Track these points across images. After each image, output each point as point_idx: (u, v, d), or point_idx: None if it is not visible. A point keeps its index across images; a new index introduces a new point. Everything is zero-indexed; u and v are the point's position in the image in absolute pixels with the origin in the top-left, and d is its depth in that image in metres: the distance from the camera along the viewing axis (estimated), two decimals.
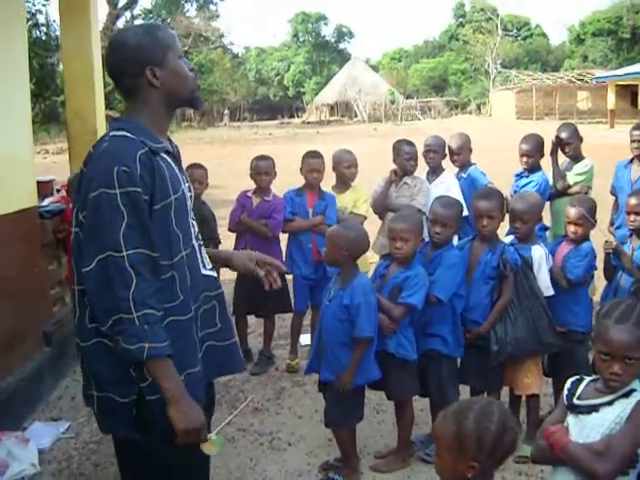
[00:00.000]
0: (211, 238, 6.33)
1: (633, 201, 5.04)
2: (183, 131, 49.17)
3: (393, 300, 4.64)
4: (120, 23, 47.65)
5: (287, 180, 6.91)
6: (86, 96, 8.10)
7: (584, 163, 6.84)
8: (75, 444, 5.35)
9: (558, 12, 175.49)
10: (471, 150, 7.03)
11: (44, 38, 38.59)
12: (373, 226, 6.64)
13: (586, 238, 5.14)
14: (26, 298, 5.92)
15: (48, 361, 6.23)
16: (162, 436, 2.65)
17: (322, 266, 6.28)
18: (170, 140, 2.98)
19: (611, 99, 43.53)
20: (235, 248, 6.73)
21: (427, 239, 5.04)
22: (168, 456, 2.75)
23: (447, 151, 6.89)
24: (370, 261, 6.67)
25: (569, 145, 6.82)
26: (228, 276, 7.31)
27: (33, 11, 44.25)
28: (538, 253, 4.99)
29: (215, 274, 3.08)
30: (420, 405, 5.28)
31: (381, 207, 6.54)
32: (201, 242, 3.02)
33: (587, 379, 3.05)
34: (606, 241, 5.17)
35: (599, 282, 5.77)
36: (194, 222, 2.98)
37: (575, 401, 2.99)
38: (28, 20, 45.17)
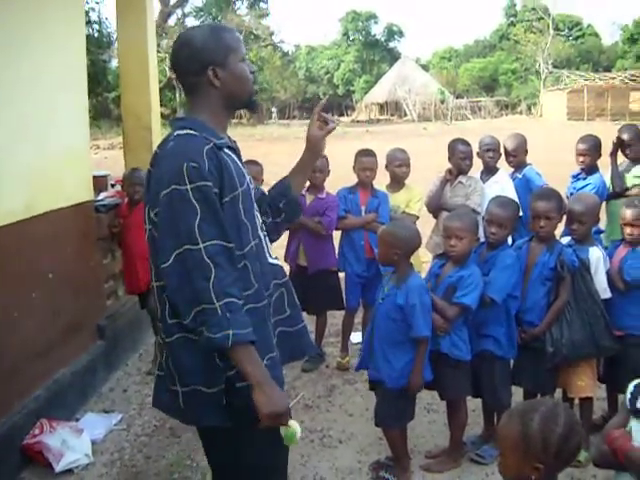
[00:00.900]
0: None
1: None
2: (233, 128, 49.31)
3: (447, 300, 4.62)
4: (171, 21, 48.17)
5: (338, 178, 6.90)
6: (141, 93, 8.17)
7: None
8: (127, 436, 5.42)
9: (611, 12, 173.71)
10: (527, 151, 6.97)
11: (96, 35, 39.08)
12: (427, 225, 6.62)
13: None
14: (81, 291, 6.00)
15: (101, 354, 6.32)
16: (254, 421, 2.69)
17: (374, 264, 6.27)
18: (229, 137, 3.03)
19: None
20: (288, 245, 6.77)
21: (482, 239, 5.01)
22: (257, 441, 2.81)
23: (502, 151, 6.84)
24: (423, 260, 6.65)
25: (630, 147, 6.71)
26: None
27: (86, 9, 44.91)
28: (596, 255, 4.92)
29: (280, 263, 3.14)
30: (472, 405, 5.25)
31: (435, 206, 6.52)
32: (265, 233, 3.06)
33: None
34: None
35: None
36: (258, 214, 3.03)
37: (638, 405, 2.94)
38: None
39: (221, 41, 2.88)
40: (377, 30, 79.41)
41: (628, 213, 4.97)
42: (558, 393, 5.16)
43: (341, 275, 6.82)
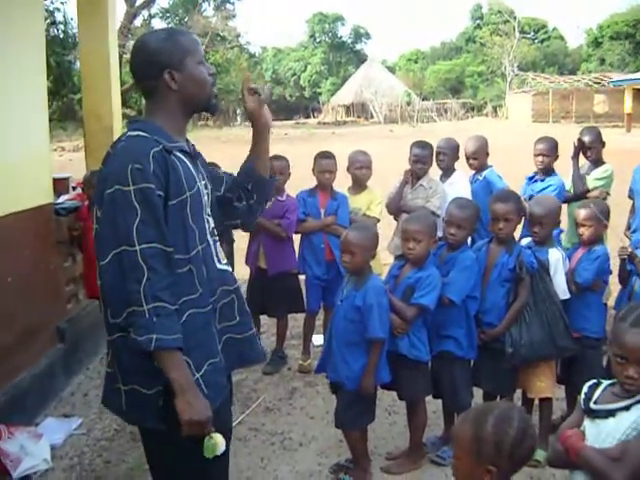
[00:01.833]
0: (224, 239, 6.34)
1: None
2: (199, 130, 49.22)
3: (406, 301, 4.63)
4: (137, 22, 47.78)
5: (303, 181, 6.91)
6: (102, 94, 8.13)
7: (604, 168, 6.80)
8: (87, 441, 5.37)
9: (576, 15, 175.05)
10: (488, 153, 7.01)
11: (61, 36, 38.69)
12: (388, 228, 6.64)
13: (599, 241, 5.13)
14: (40, 295, 5.95)
15: (61, 357, 6.26)
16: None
17: (334, 266, 6.30)
18: (188, 142, 3.03)
19: (628, 103, 43.24)
20: (248, 248, 6.76)
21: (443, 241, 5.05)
22: (193, 446, 2.78)
23: (462, 153, 6.88)
24: (384, 262, 6.67)
25: (591, 149, 6.80)
26: (241, 276, 7.34)
27: (51, 9, 44.42)
28: (555, 256, 4.97)
29: (230, 269, 3.13)
30: (433, 407, 5.27)
31: (395, 208, 6.53)
32: (216, 238, 3.05)
33: (605, 383, 3.03)
34: (622, 247, 5.15)
35: (614, 287, 5.75)
36: (209, 218, 3.02)
37: (592, 405, 2.97)
38: (46, 18, 45.35)
39: (177, 44, 2.88)
40: (344, 32, 79.77)
41: (581, 213, 5.07)
42: (518, 394, 5.21)
43: (301, 278, 6.83)
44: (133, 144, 2.76)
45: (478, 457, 2.47)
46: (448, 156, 6.74)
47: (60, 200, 7.17)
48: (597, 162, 6.85)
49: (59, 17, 41.03)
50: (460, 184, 6.62)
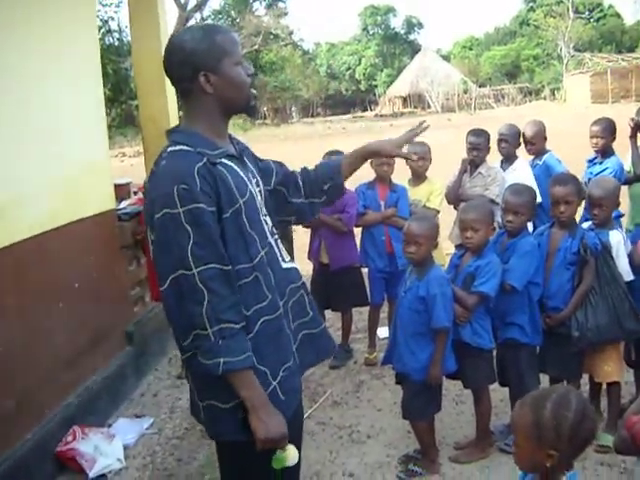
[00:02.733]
0: (284, 237, 6.39)
1: None
2: (257, 129, 49.54)
3: (466, 289, 4.63)
4: (190, 25, 48.26)
5: (361, 174, 6.89)
6: (158, 100, 8.22)
7: None
8: (158, 440, 5.48)
9: None
10: (546, 138, 6.94)
11: (117, 44, 39.29)
12: (449, 217, 6.62)
13: None
14: (108, 299, 6.08)
15: (130, 359, 6.39)
16: None
17: (396, 258, 6.30)
18: (232, 141, 2.97)
19: None
20: (310, 243, 6.80)
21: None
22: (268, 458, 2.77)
23: (521, 139, 6.82)
24: (446, 252, 6.65)
25: None
26: (305, 271, 7.39)
27: (105, 18, 45.10)
28: (616, 238, 4.90)
29: (296, 265, 3.09)
30: (500, 395, 5.25)
31: (454, 197, 6.51)
32: (277, 237, 3.00)
33: None
34: None
35: None
36: (267, 218, 2.95)
37: None
38: (101, 27, 46.02)
39: (214, 44, 2.76)
40: (396, 23, 79.39)
41: None
42: (585, 379, 5.16)
43: (364, 271, 6.84)
44: (176, 162, 2.68)
45: (538, 442, 2.47)
46: (510, 142, 6.69)
47: (122, 205, 7.30)
48: None
49: (113, 25, 41.67)
50: (523, 170, 6.56)
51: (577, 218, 5.12)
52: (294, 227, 7.17)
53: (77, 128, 5.83)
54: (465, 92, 61.37)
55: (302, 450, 4.61)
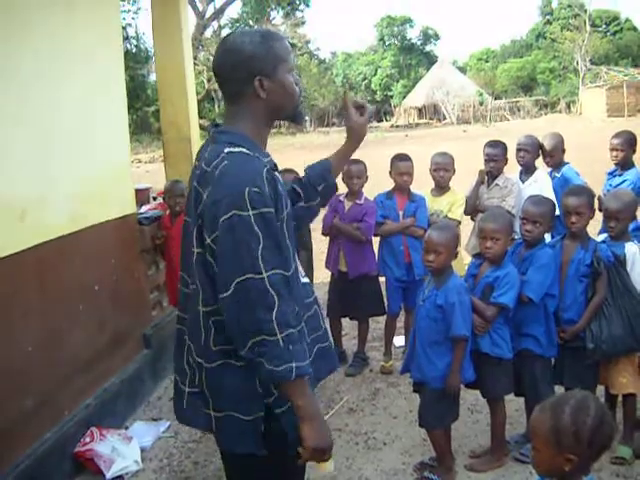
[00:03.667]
0: (302, 245, 6.44)
1: None
2: (272, 138, 49.51)
3: (485, 299, 4.66)
4: (208, 33, 48.47)
5: (378, 183, 6.96)
6: (180, 105, 8.30)
7: None
8: (175, 443, 5.52)
9: None
10: (564, 150, 6.97)
11: (134, 51, 39.51)
12: (466, 228, 6.65)
13: None
14: (126, 302, 6.13)
15: (148, 363, 6.44)
16: (292, 447, 2.68)
17: (414, 268, 6.33)
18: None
19: None
20: (328, 252, 6.85)
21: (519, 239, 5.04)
22: (284, 469, 2.79)
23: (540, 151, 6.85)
24: (465, 262, 6.67)
25: None
26: (322, 279, 7.43)
27: (123, 25, 45.33)
28: (632, 250, 4.92)
29: (308, 280, 3.08)
30: (515, 405, 5.28)
31: (471, 208, 6.55)
32: (295, 251, 2.98)
33: None
34: None
35: None
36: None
37: None
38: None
39: (271, 50, 2.76)
40: (413, 34, 79.17)
41: None
42: (600, 391, 5.17)
43: (381, 280, 6.88)
44: (242, 163, 2.64)
45: (558, 447, 2.50)
46: (529, 153, 6.71)
47: (142, 210, 7.35)
48: None
49: (131, 32, 41.90)
50: (543, 182, 6.59)
51: (594, 230, 5.14)
52: (313, 235, 7.20)
53: (102, 131, 5.91)
54: (481, 104, 61.29)
55: None
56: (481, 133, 38.38)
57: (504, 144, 6.65)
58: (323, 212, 6.67)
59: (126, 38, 46.34)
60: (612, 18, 72.85)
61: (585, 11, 65.24)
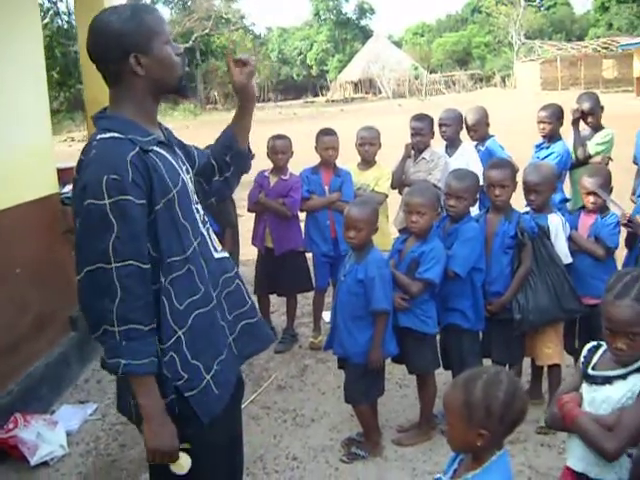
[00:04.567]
0: (227, 222, 6.39)
1: None
2: (208, 114, 49.26)
3: (410, 275, 4.64)
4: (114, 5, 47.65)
5: (312, 158, 6.92)
6: (103, 83, 8.14)
7: (605, 132, 6.76)
8: (102, 426, 5.42)
9: None
10: (488, 124, 6.99)
11: (66, 27, 38.68)
12: (394, 202, 6.65)
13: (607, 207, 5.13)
14: (50, 284, 6.00)
15: (74, 345, 6.31)
16: (203, 428, 2.69)
17: (341, 243, 6.32)
18: (160, 126, 2.88)
19: (637, 67, 42.82)
20: (255, 228, 6.78)
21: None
22: (199, 450, 2.74)
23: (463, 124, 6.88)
24: (392, 237, 6.67)
25: (591, 115, 6.77)
26: (250, 256, 7.38)
27: (54, 0, 44.38)
28: (555, 221, 4.96)
29: (227, 254, 3.02)
30: (444, 379, 5.28)
31: (398, 182, 6.52)
32: (208, 226, 2.92)
33: (604, 347, 3.03)
34: (622, 214, 5.13)
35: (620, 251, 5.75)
36: (198, 206, 2.88)
37: (590, 371, 2.98)
38: (49, 9, 45.37)
39: (142, 24, 2.63)
40: (348, 8, 79.30)
41: (587, 183, 5.08)
42: (527, 363, 5.24)
43: (308, 255, 6.86)
44: (107, 150, 2.55)
45: (469, 422, 2.48)
46: (450, 127, 6.72)
47: (66, 190, 7.21)
48: (597, 128, 6.83)
49: (62, 7, 41.02)
50: (470, 155, 6.61)
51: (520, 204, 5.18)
52: (240, 213, 7.16)
53: (19, 112, 5.75)
54: (416, 78, 61.63)
55: (246, 435, 4.64)
56: (416, 107, 38.43)
57: (430, 118, 6.64)
58: (248, 189, 6.63)
59: (57, 14, 45.36)
60: None
61: None
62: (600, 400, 2.88)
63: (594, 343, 3.11)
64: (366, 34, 76.08)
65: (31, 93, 6.04)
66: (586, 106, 6.75)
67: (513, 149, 7.10)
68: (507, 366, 4.98)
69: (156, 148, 2.67)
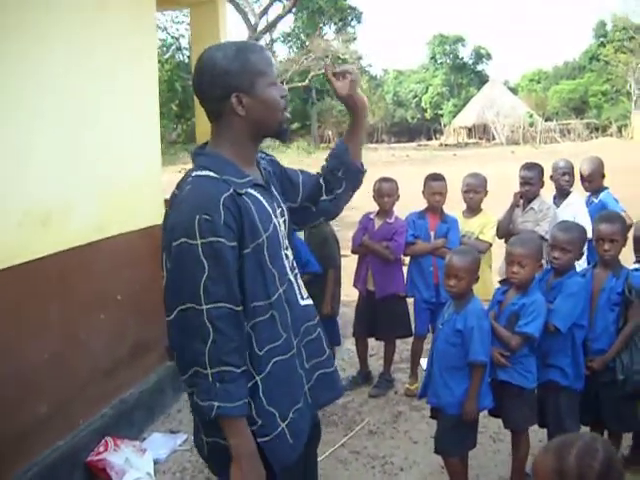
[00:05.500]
0: (330, 262, 6.36)
1: None
2: (321, 152, 49.69)
3: (510, 328, 4.51)
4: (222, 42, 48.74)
5: (420, 202, 6.86)
6: None
7: None
8: (190, 456, 5.44)
9: None
10: (604, 175, 6.84)
11: (187, 61, 39.86)
12: (501, 251, 6.53)
13: None
14: (150, 313, 6.05)
15: (169, 375, 6.36)
16: (276, 478, 2.66)
17: (442, 290, 6.22)
18: (259, 166, 2.87)
19: None
20: (357, 270, 6.76)
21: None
22: None
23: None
24: (495, 287, 6.54)
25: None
26: (352, 297, 7.34)
27: (176, 35, 45.88)
28: None
29: (312, 302, 2.99)
30: (540, 436, 5.12)
31: (504, 231, 6.41)
32: (296, 272, 2.89)
33: None
34: None
35: None
36: (288, 252, 2.86)
37: None
38: (172, 45, 46.98)
39: (247, 63, 2.63)
40: (465, 53, 79.10)
41: None
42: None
43: (410, 301, 6.77)
44: (201, 189, 2.57)
45: None
46: (572, 176, 6.62)
47: None
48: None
49: (184, 43, 42.33)
50: (577, 205, 6.48)
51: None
52: (344, 253, 7.12)
53: (132, 141, 5.90)
54: (531, 125, 60.90)
55: (332, 479, 4.57)
56: (529, 155, 38.01)
57: (540, 167, 6.52)
58: (353, 230, 6.60)
59: (178, 49, 46.91)
60: None
61: None
62: None
63: None
64: (482, 79, 75.71)
65: (144, 124, 6.19)
66: None
67: (629, 202, 6.88)
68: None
69: (250, 190, 2.66)
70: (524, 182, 6.39)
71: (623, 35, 67.48)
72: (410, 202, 7.20)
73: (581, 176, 6.76)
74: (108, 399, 5.48)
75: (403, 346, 7.31)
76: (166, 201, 6.56)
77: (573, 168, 6.69)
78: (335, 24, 60.46)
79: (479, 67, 79.83)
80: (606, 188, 6.83)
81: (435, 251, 6.38)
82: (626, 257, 4.95)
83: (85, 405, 5.16)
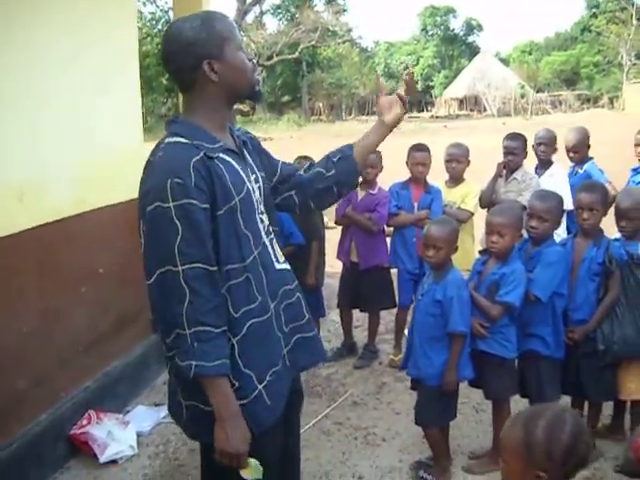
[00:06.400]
0: (314, 234, 6.34)
1: None
2: (312, 125, 49.62)
3: (490, 297, 4.50)
4: (249, 19, 48.44)
5: (398, 173, 6.81)
6: None
7: None
8: (174, 429, 5.41)
9: None
10: (589, 146, 6.81)
11: None
12: (484, 221, 6.52)
13: None
14: (133, 285, 6.03)
15: (154, 347, 6.33)
16: (254, 439, 2.66)
17: None
18: (232, 134, 2.90)
19: None
20: (340, 242, 6.74)
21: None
22: (256, 459, 2.69)
23: (561, 145, 6.70)
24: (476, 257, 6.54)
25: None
26: (337, 269, 7.33)
27: (166, 9, 45.54)
28: None
29: (289, 266, 3.01)
30: (521, 406, 5.12)
31: (487, 202, 6.37)
32: (272, 236, 2.92)
33: None
34: None
35: None
36: (263, 217, 2.88)
37: None
38: (161, 17, 46.67)
39: (214, 31, 2.68)
40: (456, 24, 79.13)
41: None
42: None
43: (393, 271, 6.75)
44: (172, 154, 2.61)
45: (528, 462, 2.32)
46: (550, 147, 6.58)
47: None
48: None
49: (173, 17, 41.94)
50: (559, 176, 6.46)
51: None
52: (327, 224, 7.10)
53: (111, 115, 5.83)
54: (522, 97, 60.85)
55: (315, 449, 4.57)
56: (521, 126, 37.85)
57: (524, 137, 6.49)
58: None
59: (168, 22, 46.55)
60: None
61: (632, 4, 64.14)
62: None
63: None
64: (473, 51, 75.63)
65: (123, 98, 6.12)
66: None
67: (616, 174, 6.85)
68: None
69: (222, 155, 2.70)
70: (507, 152, 6.36)
71: (615, 6, 67.31)
72: (398, 174, 7.15)
73: (566, 147, 6.74)
74: (91, 372, 5.46)
75: (388, 317, 7.30)
76: None
77: (553, 139, 6.64)
78: None
79: (470, 38, 79.80)
80: (591, 158, 6.80)
81: (418, 222, 6.31)
82: (611, 227, 4.94)
83: (67, 379, 5.14)
